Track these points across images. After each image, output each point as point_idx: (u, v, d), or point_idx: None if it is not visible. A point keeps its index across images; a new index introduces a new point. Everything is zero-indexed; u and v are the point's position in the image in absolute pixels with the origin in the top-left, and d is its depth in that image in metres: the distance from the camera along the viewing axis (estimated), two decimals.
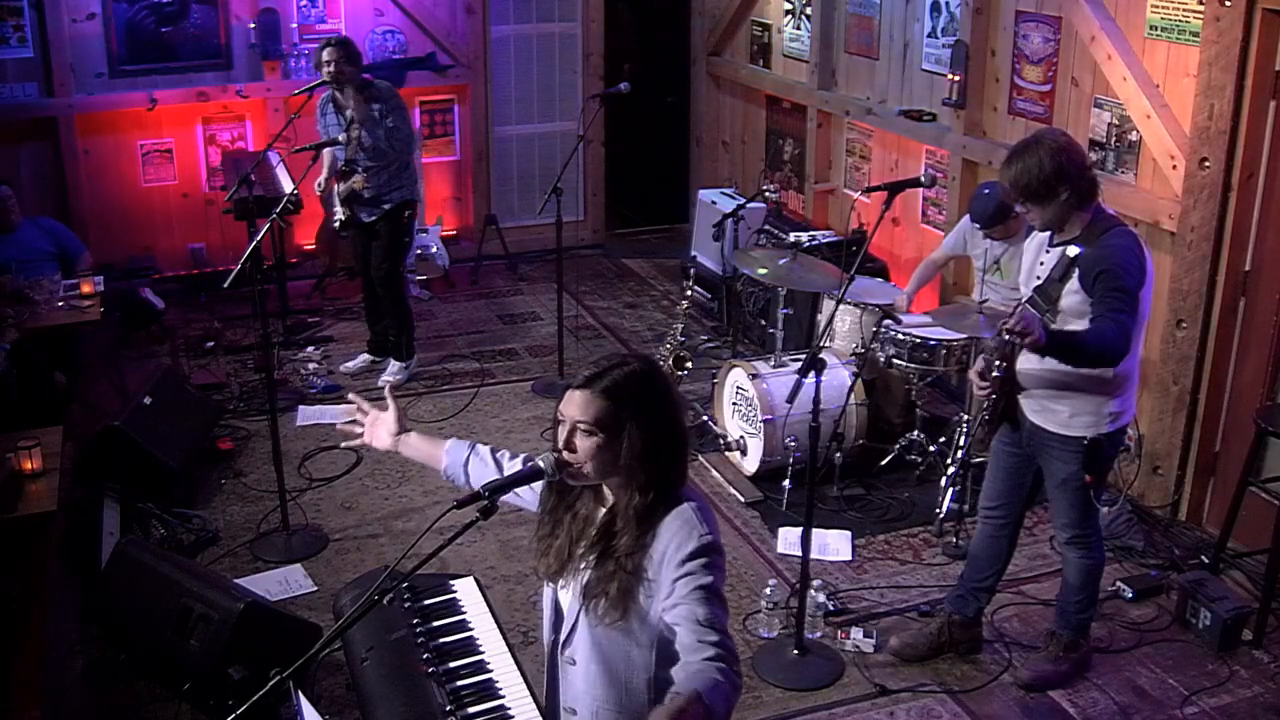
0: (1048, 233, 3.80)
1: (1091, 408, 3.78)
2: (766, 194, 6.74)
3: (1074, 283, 3.65)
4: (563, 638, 2.49)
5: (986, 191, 5.31)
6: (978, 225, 5.24)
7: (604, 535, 2.40)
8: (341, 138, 6.01)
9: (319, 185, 6.44)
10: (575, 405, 2.35)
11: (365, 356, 6.78)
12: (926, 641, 4.33)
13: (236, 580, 4.42)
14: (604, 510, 2.44)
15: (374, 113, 6.05)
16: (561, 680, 2.53)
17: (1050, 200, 3.63)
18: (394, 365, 6.65)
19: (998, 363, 3.83)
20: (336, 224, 6.49)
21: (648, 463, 2.33)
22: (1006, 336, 3.50)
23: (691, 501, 2.38)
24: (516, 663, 3.19)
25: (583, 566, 2.42)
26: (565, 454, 2.36)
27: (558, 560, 2.47)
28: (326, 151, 6.27)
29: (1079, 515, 3.97)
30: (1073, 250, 3.67)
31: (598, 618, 2.37)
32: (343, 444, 2.77)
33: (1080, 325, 3.64)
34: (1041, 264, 3.80)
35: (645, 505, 2.34)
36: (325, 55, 5.99)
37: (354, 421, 2.87)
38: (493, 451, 2.74)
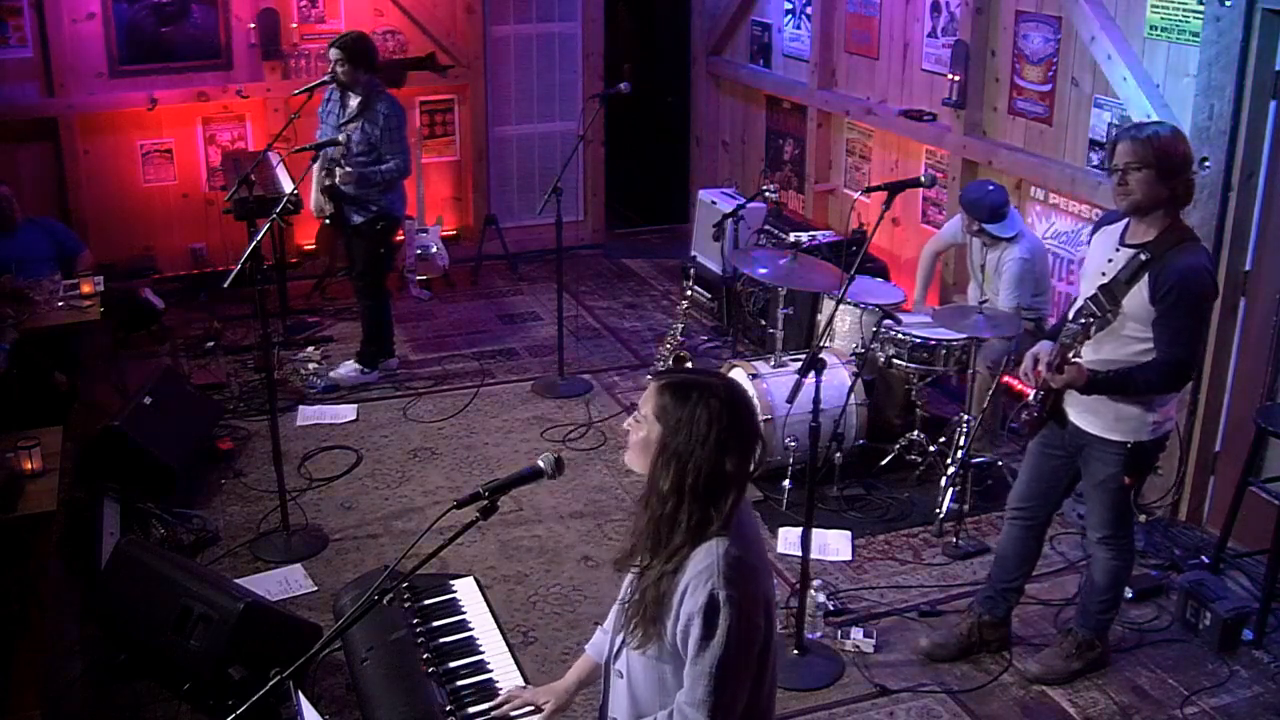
0: (1118, 230, 3.76)
1: (1136, 413, 3.77)
2: (766, 194, 6.74)
3: (1142, 291, 3.63)
4: (613, 651, 2.48)
5: (991, 189, 5.35)
6: (962, 207, 5.35)
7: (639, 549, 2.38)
8: (341, 137, 6.00)
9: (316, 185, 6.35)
10: (645, 390, 2.38)
11: (353, 365, 6.61)
12: (957, 642, 4.33)
13: (236, 580, 4.42)
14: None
15: (376, 113, 6.03)
16: (611, 690, 2.51)
17: (1164, 181, 3.56)
18: (350, 365, 6.55)
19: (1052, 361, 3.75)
20: (324, 219, 6.47)
21: (670, 478, 2.29)
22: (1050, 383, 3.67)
23: (725, 541, 2.28)
24: (516, 663, 3.18)
25: (633, 578, 2.39)
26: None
27: (623, 556, 2.43)
28: (316, 166, 6.19)
29: (1114, 517, 3.97)
30: (1144, 255, 3.63)
31: (628, 642, 2.37)
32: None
33: (1140, 329, 3.66)
34: (1110, 261, 3.74)
35: (661, 517, 2.29)
36: (330, 55, 6.02)
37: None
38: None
